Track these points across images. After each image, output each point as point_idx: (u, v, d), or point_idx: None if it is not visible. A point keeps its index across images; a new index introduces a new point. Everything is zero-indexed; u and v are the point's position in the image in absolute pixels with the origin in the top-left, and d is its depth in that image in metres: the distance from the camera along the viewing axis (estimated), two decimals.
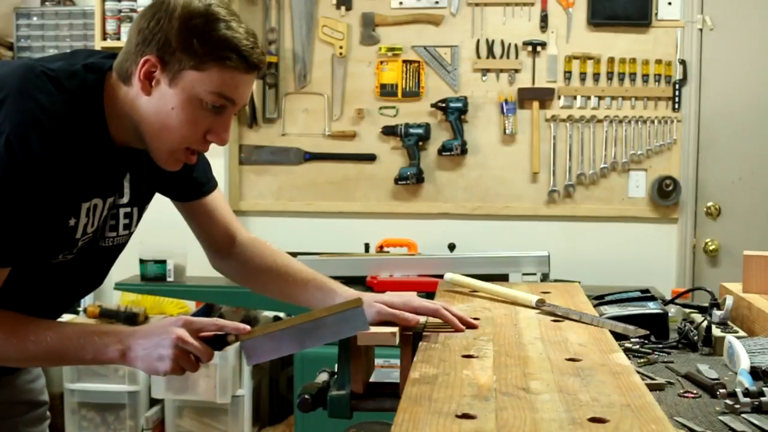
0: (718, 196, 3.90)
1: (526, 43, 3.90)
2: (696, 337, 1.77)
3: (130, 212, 1.55)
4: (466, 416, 1.01)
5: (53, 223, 1.36)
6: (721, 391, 1.39)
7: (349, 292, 1.63)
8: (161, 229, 2.78)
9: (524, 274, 3.44)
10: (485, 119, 3.94)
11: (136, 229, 1.61)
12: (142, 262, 3.47)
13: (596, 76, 3.87)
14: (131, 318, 3.60)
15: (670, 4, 3.84)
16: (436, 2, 3.93)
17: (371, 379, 1.56)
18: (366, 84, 3.98)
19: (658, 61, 3.85)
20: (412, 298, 1.57)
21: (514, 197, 3.96)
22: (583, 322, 1.57)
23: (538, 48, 3.89)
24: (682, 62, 3.83)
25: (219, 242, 1.74)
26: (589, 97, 3.89)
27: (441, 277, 1.98)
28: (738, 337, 1.64)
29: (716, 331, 1.76)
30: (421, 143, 3.93)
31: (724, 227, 3.90)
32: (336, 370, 1.53)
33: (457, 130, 3.89)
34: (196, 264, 3.18)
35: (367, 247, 3.73)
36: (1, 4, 4.11)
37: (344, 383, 1.49)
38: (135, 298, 3.76)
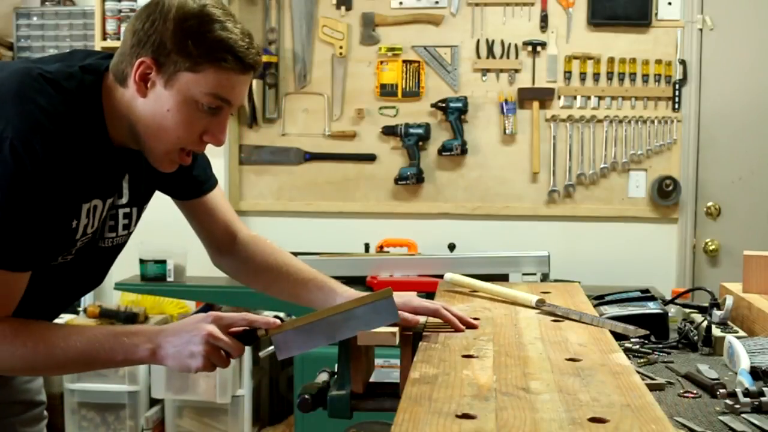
0: (718, 196, 3.90)
1: (526, 43, 3.90)
2: (696, 337, 1.77)
3: (129, 212, 1.55)
4: (466, 416, 1.01)
5: (59, 225, 1.37)
6: (721, 391, 1.39)
7: (350, 292, 1.63)
8: (161, 229, 2.78)
9: (524, 274, 3.44)
10: (485, 119, 3.94)
11: (135, 229, 1.61)
12: (142, 262, 3.47)
13: (596, 76, 3.87)
14: (131, 318, 3.60)
15: (670, 4, 3.84)
16: (436, 2, 3.93)
17: (371, 379, 1.56)
18: (366, 84, 3.98)
19: (658, 61, 3.85)
20: (411, 298, 1.57)
21: (514, 197, 3.96)
22: (583, 322, 1.57)
23: (538, 48, 3.89)
24: (682, 62, 3.83)
25: (220, 240, 1.73)
26: (589, 97, 3.89)
27: (441, 277, 1.98)
28: (738, 337, 1.64)
29: (716, 331, 1.76)
30: (421, 143, 3.93)
31: (724, 227, 3.90)
32: (336, 370, 1.53)
33: (457, 130, 3.89)
34: (196, 264, 3.19)
35: (367, 247, 3.73)
36: (1, 4, 4.11)
37: (344, 383, 1.49)
38: (135, 298, 3.76)
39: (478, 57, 3.93)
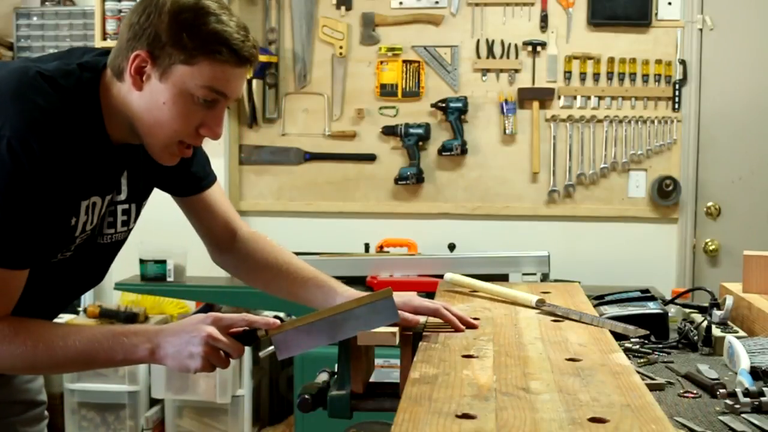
0: (718, 196, 3.90)
1: (526, 43, 3.90)
2: (696, 337, 1.77)
3: (128, 209, 1.55)
4: (466, 416, 1.01)
5: (57, 222, 1.37)
6: (721, 391, 1.39)
7: (350, 292, 1.63)
8: (161, 229, 2.79)
9: (524, 274, 3.44)
10: (485, 119, 3.94)
11: (135, 227, 1.61)
12: (142, 262, 3.47)
13: (596, 76, 3.87)
14: (131, 318, 3.60)
15: (670, 4, 3.84)
16: (436, 2, 3.93)
17: (371, 379, 1.56)
18: (366, 84, 3.98)
19: (658, 61, 3.85)
20: (412, 297, 1.57)
21: (514, 197, 3.96)
22: (583, 322, 1.57)
23: (538, 48, 3.89)
24: (682, 62, 3.83)
25: (219, 237, 1.73)
26: (589, 97, 3.89)
27: (441, 277, 1.98)
28: (738, 337, 1.64)
29: (716, 331, 1.76)
30: (421, 143, 3.93)
31: (724, 227, 3.90)
32: (336, 370, 1.53)
33: (457, 130, 3.89)
34: (196, 264, 3.19)
35: (367, 247, 3.73)
36: (1, 4, 4.11)
37: (344, 383, 1.49)
38: (135, 298, 3.76)
39: (478, 57, 3.92)
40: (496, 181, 3.96)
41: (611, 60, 3.87)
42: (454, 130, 3.90)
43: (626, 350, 1.64)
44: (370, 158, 3.99)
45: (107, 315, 3.62)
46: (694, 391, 1.45)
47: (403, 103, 3.96)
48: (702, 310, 1.98)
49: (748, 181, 3.86)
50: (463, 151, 3.90)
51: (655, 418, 1.01)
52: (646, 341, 1.75)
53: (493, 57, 3.92)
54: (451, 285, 1.92)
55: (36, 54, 4.08)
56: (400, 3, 3.95)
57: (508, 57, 3.92)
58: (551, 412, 1.03)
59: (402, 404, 1.06)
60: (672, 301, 2.12)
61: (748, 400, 1.32)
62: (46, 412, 1.78)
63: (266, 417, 3.91)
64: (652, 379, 1.49)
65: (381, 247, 3.77)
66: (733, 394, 1.35)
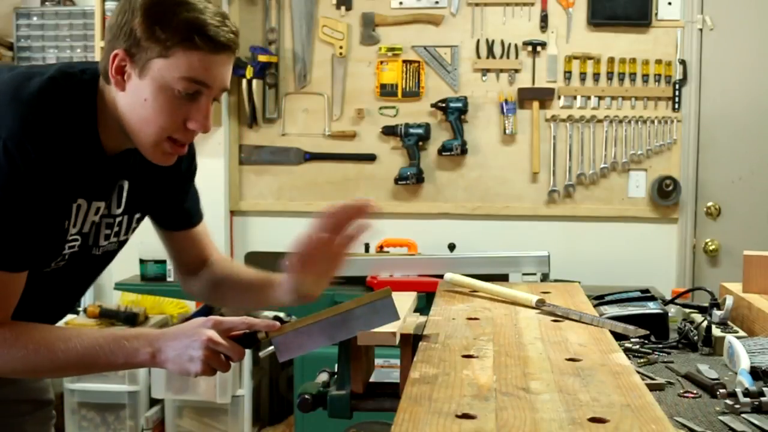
0: (718, 196, 3.90)
1: (526, 43, 3.90)
2: (696, 337, 1.77)
3: (122, 221, 1.55)
4: (466, 416, 1.01)
5: (51, 225, 1.37)
6: (721, 391, 1.39)
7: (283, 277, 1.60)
8: None
9: (524, 274, 3.44)
10: (485, 119, 3.94)
11: (131, 237, 1.61)
12: (142, 262, 3.47)
13: (596, 76, 3.87)
14: (131, 318, 3.60)
15: (670, 4, 3.84)
16: (436, 2, 3.93)
17: (371, 379, 1.56)
18: (366, 84, 3.98)
19: (658, 61, 3.85)
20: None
21: (514, 197, 3.96)
22: (583, 322, 1.57)
23: (538, 48, 3.89)
24: (682, 62, 3.83)
25: (190, 266, 1.74)
26: (589, 97, 3.89)
27: (441, 277, 1.98)
28: (738, 337, 1.64)
29: (716, 331, 1.76)
30: (421, 143, 3.93)
31: (724, 227, 3.90)
32: (336, 370, 1.53)
33: (457, 130, 3.89)
34: None
35: (367, 247, 3.73)
36: (1, 4, 4.11)
37: (344, 383, 1.49)
38: (135, 298, 3.76)
39: (478, 57, 3.92)
40: (496, 181, 3.96)
41: (611, 60, 3.87)
42: (454, 130, 3.90)
43: (626, 350, 1.64)
44: (370, 158, 3.99)
45: (107, 315, 3.62)
46: (694, 391, 1.45)
47: (403, 103, 3.96)
48: (702, 310, 1.98)
49: (748, 181, 3.86)
50: (463, 151, 3.90)
51: (655, 418, 1.01)
52: (646, 341, 1.75)
53: (493, 57, 3.92)
54: (451, 285, 1.92)
55: (36, 54, 4.08)
56: (400, 3, 3.95)
57: (508, 57, 3.92)
58: (551, 412, 1.03)
59: (402, 404, 1.06)
60: (672, 301, 2.12)
61: (748, 400, 1.32)
62: (53, 412, 1.78)
63: (266, 417, 3.91)
64: (652, 379, 1.49)
65: (381, 247, 3.77)
66: (733, 394, 1.35)
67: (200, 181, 1.71)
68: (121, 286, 3.51)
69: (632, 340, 1.69)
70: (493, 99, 3.93)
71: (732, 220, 3.89)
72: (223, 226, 3.92)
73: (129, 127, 1.38)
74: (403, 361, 1.46)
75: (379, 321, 1.40)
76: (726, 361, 1.63)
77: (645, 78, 3.85)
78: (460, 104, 3.88)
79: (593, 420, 1.00)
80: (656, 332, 1.80)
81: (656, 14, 3.84)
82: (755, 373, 1.43)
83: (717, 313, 1.86)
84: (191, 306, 3.81)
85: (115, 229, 1.54)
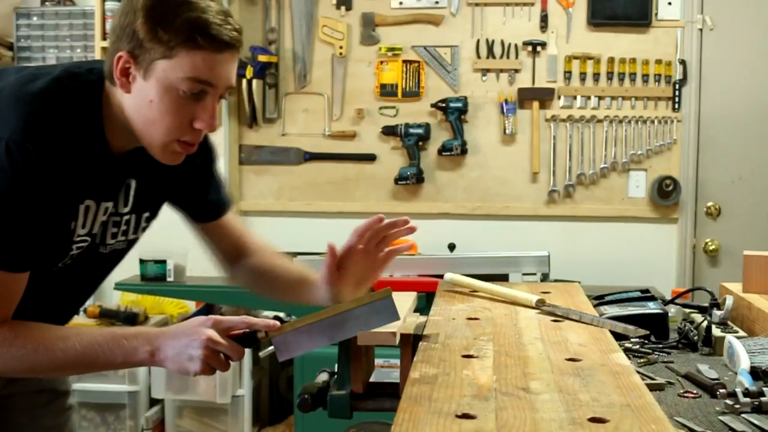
0: (718, 196, 3.90)
1: (526, 43, 3.90)
2: (696, 337, 1.77)
3: (129, 219, 1.55)
4: (466, 416, 1.01)
5: (55, 225, 1.37)
6: (721, 391, 1.39)
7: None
8: (161, 229, 2.77)
9: (524, 274, 3.44)
10: (485, 119, 3.94)
11: (140, 237, 1.61)
12: (142, 262, 3.47)
13: (596, 76, 3.87)
14: (131, 318, 3.60)
15: (670, 4, 3.84)
16: (436, 2, 3.93)
17: (371, 379, 1.55)
18: (366, 84, 3.98)
19: (658, 61, 3.85)
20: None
21: (514, 197, 3.96)
22: (583, 322, 1.57)
23: (538, 48, 3.89)
24: (682, 62, 3.83)
25: (229, 255, 1.74)
26: (589, 97, 3.89)
27: (441, 277, 1.98)
28: (738, 337, 1.64)
29: (716, 331, 1.76)
30: (421, 143, 3.93)
31: (724, 227, 3.90)
32: (336, 370, 1.53)
33: (457, 130, 3.89)
34: (196, 264, 3.19)
35: None
36: (1, 4, 4.11)
37: (344, 383, 1.49)
38: (135, 298, 3.76)
39: (478, 57, 3.92)
40: (496, 181, 3.96)
41: (611, 60, 3.87)
42: (454, 130, 3.89)
43: (626, 350, 1.64)
44: (370, 158, 3.99)
45: (107, 315, 3.62)
46: (694, 391, 1.45)
47: (403, 103, 3.96)
48: (702, 310, 1.98)
49: (748, 181, 3.86)
50: (463, 151, 3.90)
51: (655, 418, 1.01)
52: (646, 341, 1.75)
53: (493, 57, 3.92)
54: (451, 285, 1.92)
55: (36, 54, 4.08)
56: (400, 3, 3.95)
57: (508, 57, 3.92)
58: (551, 412, 1.03)
59: (402, 404, 1.06)
60: (672, 301, 2.12)
61: (748, 400, 1.32)
62: (73, 403, 1.78)
63: (266, 417, 3.91)
64: (652, 379, 1.49)
65: None
66: (733, 394, 1.35)
67: None
68: (121, 286, 3.51)
69: (632, 340, 1.69)
70: (493, 99, 3.93)
71: (732, 220, 3.89)
72: None
73: (136, 128, 1.38)
74: (403, 361, 1.46)
75: (379, 321, 1.40)
76: (726, 361, 1.63)
77: (645, 78, 3.85)
78: (460, 104, 3.88)
79: (593, 420, 1.00)
80: (656, 332, 1.80)
81: (656, 14, 3.84)
82: (755, 373, 1.43)
83: (717, 313, 1.86)
84: (191, 306, 3.82)
85: (123, 227, 1.54)
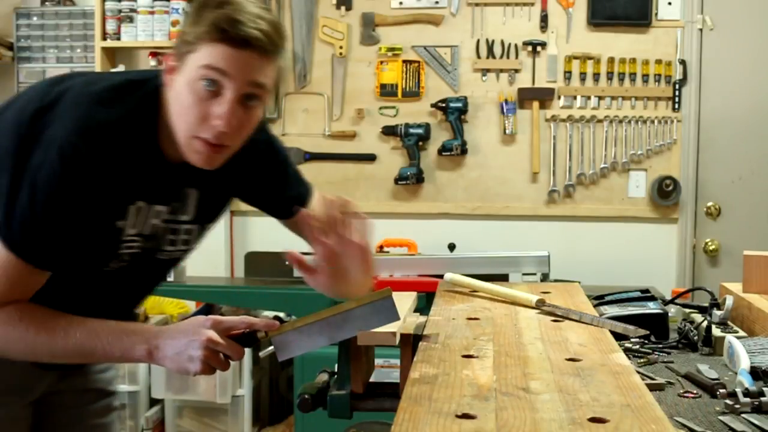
0: (718, 196, 3.90)
1: (526, 43, 3.90)
2: (696, 337, 1.77)
3: (190, 229, 1.56)
4: (466, 416, 1.01)
5: (101, 226, 1.39)
6: (721, 391, 1.39)
7: None
8: None
9: (524, 274, 3.44)
10: (485, 119, 3.94)
11: (197, 246, 1.63)
12: None
13: (596, 76, 3.87)
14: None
15: (670, 4, 3.84)
16: (436, 2, 3.93)
17: (371, 379, 1.56)
18: (366, 84, 3.98)
19: (658, 61, 3.85)
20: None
21: (514, 197, 3.96)
22: (583, 322, 1.57)
23: (538, 48, 3.89)
24: (682, 62, 3.83)
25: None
26: (589, 97, 3.89)
27: (441, 277, 1.98)
28: (738, 337, 1.64)
29: (716, 331, 1.76)
30: (421, 143, 3.93)
31: (724, 227, 3.90)
32: (336, 370, 1.53)
33: (457, 130, 3.89)
34: (196, 264, 3.18)
35: None
36: (1, 4, 4.11)
37: (344, 383, 1.49)
38: None
39: (478, 57, 3.92)
40: (496, 181, 3.96)
41: (611, 60, 3.87)
42: (454, 130, 3.89)
43: (626, 350, 1.64)
44: (370, 158, 3.99)
45: None
46: (694, 391, 1.45)
47: (403, 103, 3.96)
48: (702, 310, 1.98)
49: (748, 181, 3.86)
50: (463, 151, 3.90)
51: (655, 418, 1.01)
52: (646, 341, 1.75)
53: (493, 57, 3.92)
54: (451, 285, 1.92)
55: (36, 54, 4.08)
56: (400, 3, 3.95)
57: (508, 57, 3.92)
58: (551, 412, 1.03)
59: (402, 404, 1.06)
60: (672, 301, 2.12)
61: (748, 400, 1.32)
62: (117, 403, 1.81)
63: (266, 417, 3.91)
64: (652, 379, 1.49)
65: (381, 247, 3.77)
66: (733, 394, 1.35)
67: None
68: None
69: (632, 340, 1.69)
70: (493, 99, 3.93)
71: (732, 220, 3.89)
72: (223, 226, 3.92)
73: (172, 128, 1.39)
74: (403, 361, 1.46)
75: (379, 321, 1.40)
76: (726, 361, 1.63)
77: (645, 78, 3.85)
78: (460, 104, 3.88)
79: (593, 420, 1.00)
80: (656, 332, 1.80)
81: (656, 14, 3.84)
82: (755, 373, 1.43)
83: (717, 313, 1.86)
84: (191, 306, 3.82)
85: (183, 236, 1.56)
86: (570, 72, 3.89)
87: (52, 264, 1.37)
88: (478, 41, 3.92)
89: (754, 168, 3.85)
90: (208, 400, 3.55)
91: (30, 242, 1.33)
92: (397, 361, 1.48)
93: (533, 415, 1.02)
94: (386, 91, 3.96)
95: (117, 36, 3.92)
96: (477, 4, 3.91)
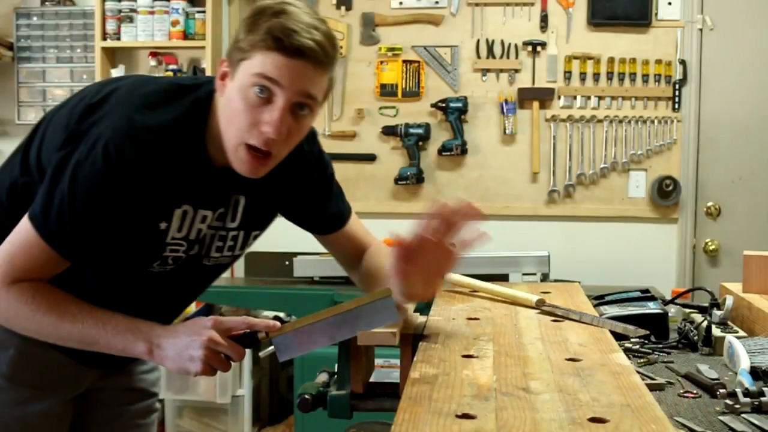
0: (718, 196, 3.90)
1: (526, 43, 3.90)
2: (696, 337, 1.77)
3: (236, 235, 1.57)
4: (466, 416, 1.01)
5: (141, 226, 1.40)
6: (721, 391, 1.39)
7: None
8: None
9: (524, 274, 3.44)
10: (485, 119, 3.94)
11: (245, 252, 1.65)
12: None
13: (596, 76, 3.87)
14: None
15: (670, 4, 3.84)
16: (436, 2, 3.93)
17: (371, 379, 1.55)
18: (366, 84, 3.98)
19: (658, 61, 3.85)
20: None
21: (514, 197, 3.96)
22: (583, 322, 1.56)
23: (538, 48, 3.89)
24: (682, 62, 3.83)
25: (352, 258, 1.76)
26: (589, 97, 3.89)
27: None
28: (738, 337, 1.64)
29: (716, 331, 1.76)
30: (421, 143, 3.93)
31: (724, 227, 3.90)
32: (336, 370, 1.53)
33: (457, 130, 3.89)
34: None
35: None
36: (1, 4, 4.11)
37: (344, 383, 1.49)
38: None
39: (478, 57, 3.93)
40: (496, 181, 3.96)
41: (611, 60, 3.87)
42: (454, 130, 3.90)
43: (626, 350, 1.64)
44: (370, 158, 3.99)
45: None
46: (694, 391, 1.44)
47: (403, 103, 3.96)
48: (702, 310, 1.98)
49: (748, 181, 3.86)
50: (463, 151, 3.90)
51: (655, 418, 1.01)
52: (646, 341, 1.75)
53: (493, 57, 3.92)
54: (451, 285, 1.92)
55: (36, 54, 4.08)
56: (400, 3, 3.95)
57: (508, 57, 3.92)
58: (551, 412, 1.03)
59: (402, 404, 1.06)
60: (672, 301, 2.12)
61: (748, 400, 1.32)
62: (157, 405, 1.83)
63: (266, 417, 3.91)
64: (652, 379, 1.49)
65: None
66: (733, 394, 1.35)
67: None
68: None
69: (632, 340, 1.69)
70: (493, 99, 3.93)
71: (732, 220, 3.89)
72: None
73: (222, 134, 1.40)
74: (403, 361, 1.45)
75: (379, 321, 1.40)
76: (726, 361, 1.63)
77: (645, 78, 3.86)
78: (460, 104, 3.88)
79: (593, 420, 1.00)
80: (656, 332, 1.79)
81: (656, 14, 3.84)
82: (755, 373, 1.43)
83: (717, 313, 1.86)
84: (191, 306, 3.81)
85: (229, 243, 1.57)
86: (570, 72, 3.89)
87: (79, 256, 1.39)
88: (478, 41, 3.92)
89: (754, 168, 3.86)
90: (208, 400, 3.56)
91: (61, 232, 1.36)
92: (397, 361, 1.48)
93: (533, 415, 1.02)
94: (386, 91, 3.96)
95: (117, 36, 3.92)
96: (477, 4, 3.91)
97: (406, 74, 3.95)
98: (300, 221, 1.71)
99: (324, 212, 1.70)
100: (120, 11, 3.92)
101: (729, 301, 1.86)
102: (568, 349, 1.36)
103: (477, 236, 1.48)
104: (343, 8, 3.97)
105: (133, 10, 3.91)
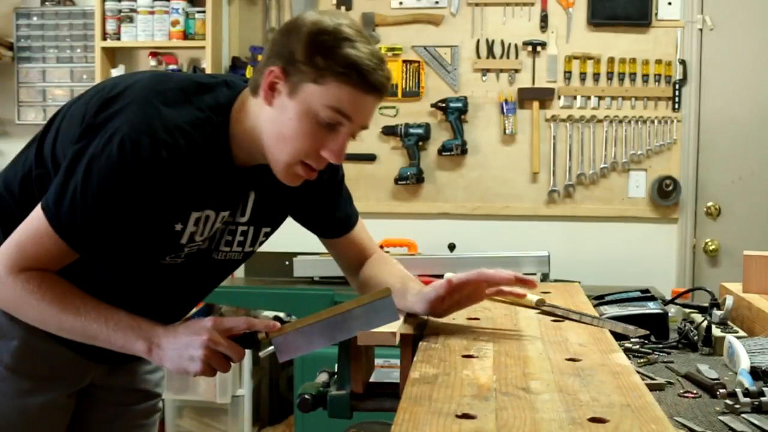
0: (718, 196, 3.90)
1: (526, 43, 3.90)
2: (696, 337, 1.77)
3: (246, 231, 1.58)
4: (466, 416, 1.01)
5: (154, 225, 1.40)
6: (721, 391, 1.39)
7: (417, 289, 1.59)
8: None
9: (524, 274, 3.43)
10: (485, 119, 3.94)
11: (257, 249, 1.66)
12: None
13: (596, 76, 3.87)
14: None
15: (670, 4, 3.84)
16: (436, 2, 3.93)
17: (371, 379, 1.55)
18: None
19: (658, 61, 3.85)
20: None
21: (514, 197, 3.96)
22: (583, 322, 1.57)
23: (538, 48, 3.89)
24: (682, 62, 3.83)
25: (353, 266, 1.77)
26: (589, 97, 3.89)
27: (441, 277, 1.97)
28: (738, 337, 1.64)
29: (716, 331, 1.76)
30: (421, 143, 3.93)
31: (724, 227, 3.90)
32: (336, 370, 1.53)
33: (457, 130, 3.89)
34: None
35: None
36: (1, 4, 4.11)
37: (344, 383, 1.49)
38: None
39: (478, 57, 3.93)
40: (496, 181, 3.96)
41: (611, 60, 3.87)
42: (454, 130, 3.90)
43: (626, 350, 1.64)
44: (370, 158, 3.99)
45: None
46: (694, 391, 1.44)
47: (403, 103, 3.96)
48: (702, 310, 1.98)
49: (748, 181, 3.86)
50: (463, 151, 3.90)
51: (655, 418, 1.01)
52: (646, 341, 1.75)
53: (493, 57, 3.92)
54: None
55: (36, 54, 4.08)
56: (400, 3, 3.95)
57: (508, 57, 3.92)
58: (551, 412, 1.03)
59: (402, 404, 1.06)
60: (672, 301, 2.12)
61: (748, 400, 1.32)
62: (160, 405, 1.84)
63: (266, 417, 3.91)
64: (652, 379, 1.49)
65: (381, 247, 3.75)
66: (733, 394, 1.35)
67: None
68: None
69: (632, 340, 1.69)
70: (493, 99, 3.93)
71: (732, 220, 3.89)
72: None
73: (267, 142, 1.41)
74: (403, 361, 1.45)
75: (379, 321, 1.41)
76: (726, 361, 1.63)
77: (645, 78, 3.86)
78: (460, 104, 3.88)
79: (593, 420, 1.00)
80: (656, 332, 1.79)
81: (656, 14, 3.84)
82: (755, 373, 1.43)
83: (717, 313, 1.86)
84: None
85: (239, 238, 1.58)
86: (570, 72, 3.89)
87: (88, 249, 1.39)
88: (478, 41, 3.92)
89: (754, 168, 3.86)
90: (208, 400, 3.55)
91: (72, 224, 1.36)
92: (397, 361, 1.48)
93: (533, 415, 1.02)
94: None
95: (117, 36, 3.92)
96: (477, 4, 3.91)
97: (406, 74, 3.95)
98: (307, 222, 1.73)
99: (332, 215, 1.71)
100: (120, 11, 3.92)
101: (729, 301, 1.86)
102: (568, 349, 1.36)
103: (512, 293, 1.63)
104: (343, 8, 3.97)
105: (133, 10, 3.91)
